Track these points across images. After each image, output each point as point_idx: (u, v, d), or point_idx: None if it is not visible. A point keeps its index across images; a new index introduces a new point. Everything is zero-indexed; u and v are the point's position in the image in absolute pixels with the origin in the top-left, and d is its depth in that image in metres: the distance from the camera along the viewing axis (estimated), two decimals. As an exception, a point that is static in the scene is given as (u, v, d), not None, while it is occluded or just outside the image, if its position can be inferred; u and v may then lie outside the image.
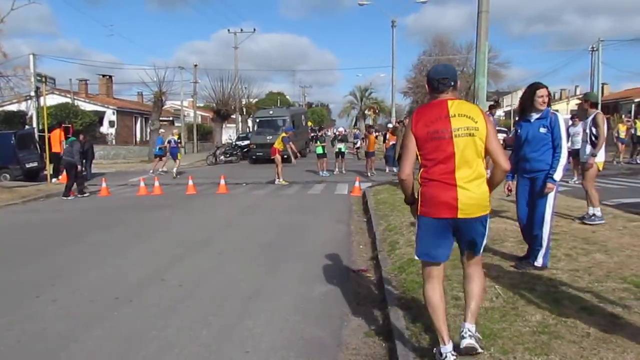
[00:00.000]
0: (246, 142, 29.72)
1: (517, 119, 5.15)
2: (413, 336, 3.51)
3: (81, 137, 14.39)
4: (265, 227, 8.66)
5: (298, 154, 19.35)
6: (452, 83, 3.04)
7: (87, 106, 34.39)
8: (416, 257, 3.17)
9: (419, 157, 3.02)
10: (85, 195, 13.55)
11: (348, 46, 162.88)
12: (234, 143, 32.26)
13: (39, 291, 5.06)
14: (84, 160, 14.09)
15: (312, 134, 19.88)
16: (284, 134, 16.96)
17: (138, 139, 39.25)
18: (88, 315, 4.40)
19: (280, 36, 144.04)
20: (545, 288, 4.20)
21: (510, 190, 5.04)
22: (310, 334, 3.95)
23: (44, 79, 16.82)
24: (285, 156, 18.20)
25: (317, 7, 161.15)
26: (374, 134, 20.94)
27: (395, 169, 17.33)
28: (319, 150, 18.54)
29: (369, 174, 17.33)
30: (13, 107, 29.18)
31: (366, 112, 62.83)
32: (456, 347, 3.00)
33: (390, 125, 21.68)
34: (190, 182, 14.20)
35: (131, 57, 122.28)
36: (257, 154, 25.52)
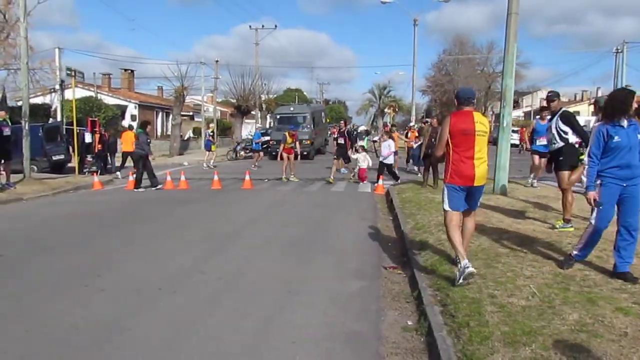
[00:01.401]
0: (266, 138, 29.92)
1: (599, 123, 4.85)
2: (452, 331, 3.64)
3: (148, 128, 14.22)
4: (293, 222, 8.83)
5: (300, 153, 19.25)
6: (474, 101, 4.96)
7: (109, 100, 34.97)
8: (449, 209, 4.77)
9: (451, 145, 4.70)
10: (139, 189, 13.34)
11: (366, 43, 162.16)
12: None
13: (86, 281, 5.28)
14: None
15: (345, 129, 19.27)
16: (285, 133, 16.79)
17: (159, 134, 39.79)
18: (135, 305, 4.61)
19: (299, 32, 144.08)
20: (579, 288, 4.29)
21: (595, 201, 4.61)
22: (349, 327, 4.10)
23: (73, 73, 17.13)
24: (305, 153, 18.30)
25: (336, 3, 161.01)
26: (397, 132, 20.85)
27: (415, 168, 17.37)
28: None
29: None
30: (38, 100, 29.84)
31: (385, 110, 62.62)
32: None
33: (412, 124, 21.73)
34: (215, 177, 14.44)
35: (150, 50, 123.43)
36: (277, 150, 25.68)
